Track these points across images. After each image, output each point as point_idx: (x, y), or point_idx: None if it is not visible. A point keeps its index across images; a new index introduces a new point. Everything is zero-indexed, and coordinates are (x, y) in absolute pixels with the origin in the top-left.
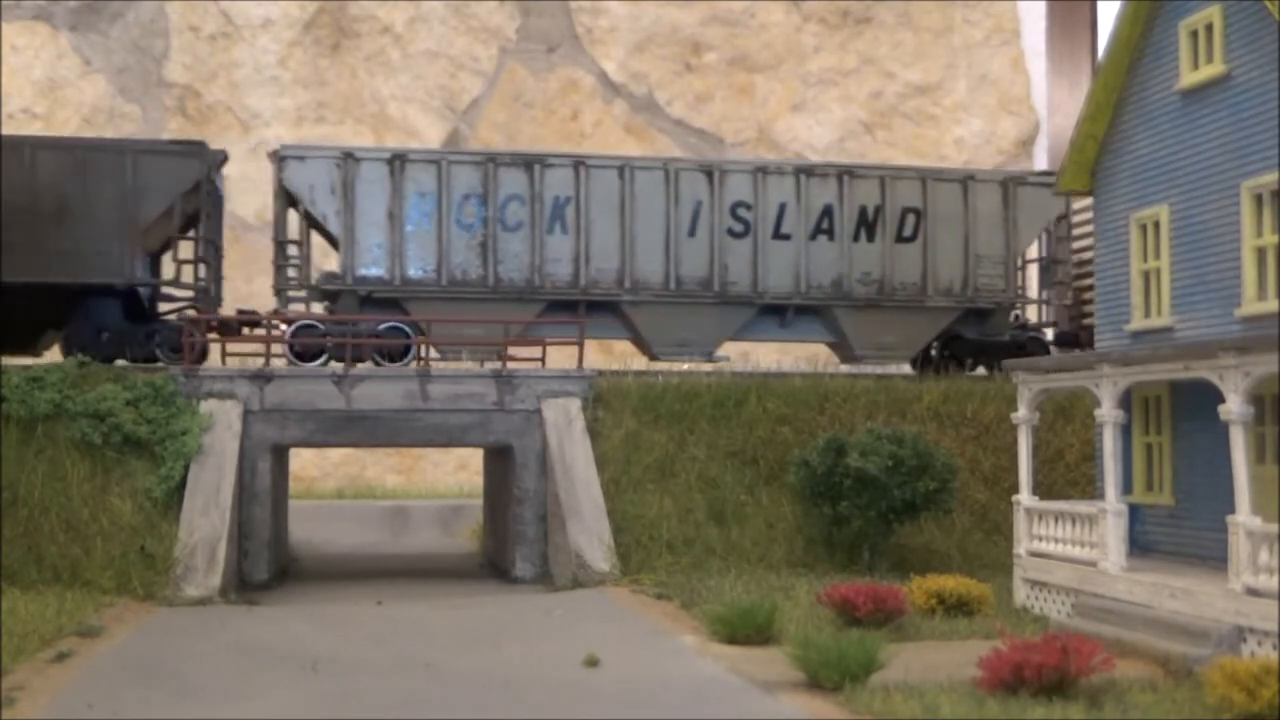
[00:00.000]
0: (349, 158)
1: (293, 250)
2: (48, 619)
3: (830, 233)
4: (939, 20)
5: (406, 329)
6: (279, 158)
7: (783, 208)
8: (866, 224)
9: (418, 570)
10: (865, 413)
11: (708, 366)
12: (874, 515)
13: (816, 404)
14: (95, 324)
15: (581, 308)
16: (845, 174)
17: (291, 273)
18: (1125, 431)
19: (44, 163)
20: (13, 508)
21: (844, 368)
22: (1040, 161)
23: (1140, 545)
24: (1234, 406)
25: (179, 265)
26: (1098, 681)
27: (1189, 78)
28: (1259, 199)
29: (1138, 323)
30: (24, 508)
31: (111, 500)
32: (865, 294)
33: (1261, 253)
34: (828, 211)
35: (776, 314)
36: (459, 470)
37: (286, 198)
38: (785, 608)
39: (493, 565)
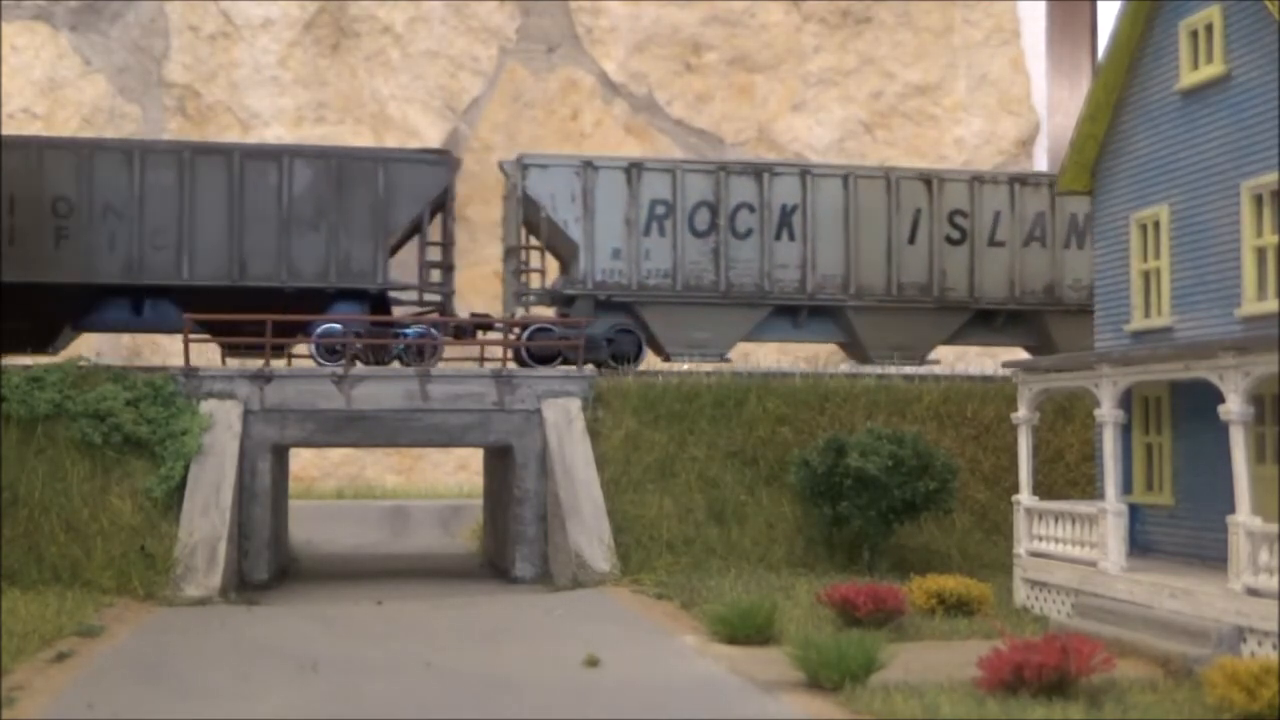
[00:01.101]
0: (588, 166)
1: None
2: (48, 619)
3: (1042, 240)
4: (939, 20)
5: (638, 331)
6: (521, 166)
7: (997, 215)
8: (1076, 231)
9: (418, 570)
10: (865, 413)
11: (707, 366)
12: (874, 515)
13: (816, 404)
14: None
15: (804, 312)
16: (1056, 182)
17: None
18: (1125, 431)
19: (300, 171)
20: (13, 508)
21: (843, 367)
22: (1040, 162)
23: (1140, 545)
24: (1234, 406)
25: (426, 269)
26: (1098, 681)
27: (1189, 78)
28: (1259, 199)
29: (1138, 323)
30: (24, 508)
31: (111, 500)
32: (1076, 299)
33: (1261, 253)
34: (1040, 219)
35: (988, 319)
36: (459, 470)
37: (527, 205)
38: (785, 608)
39: (493, 565)
